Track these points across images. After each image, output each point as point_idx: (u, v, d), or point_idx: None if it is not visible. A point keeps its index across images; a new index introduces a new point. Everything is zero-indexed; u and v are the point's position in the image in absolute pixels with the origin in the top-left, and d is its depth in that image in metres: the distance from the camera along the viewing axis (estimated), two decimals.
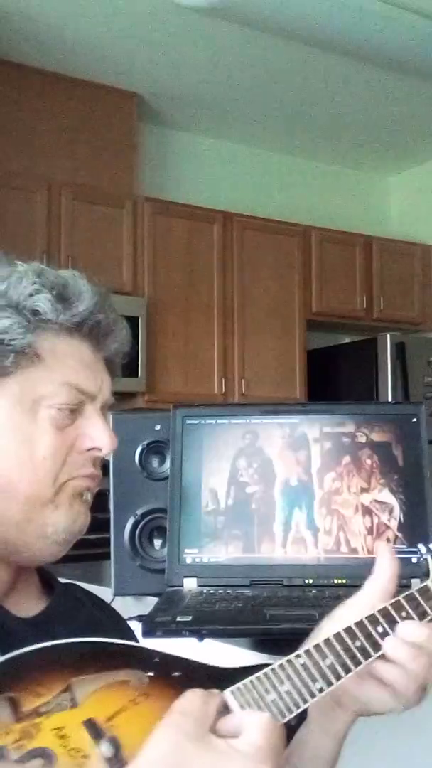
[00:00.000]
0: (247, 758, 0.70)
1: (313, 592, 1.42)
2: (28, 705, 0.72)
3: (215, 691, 0.76)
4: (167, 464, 1.56)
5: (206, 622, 1.26)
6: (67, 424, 0.94)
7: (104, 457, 0.97)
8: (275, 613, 1.28)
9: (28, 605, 0.99)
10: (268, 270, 4.96)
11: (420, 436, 1.51)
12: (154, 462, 1.60)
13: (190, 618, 1.27)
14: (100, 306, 0.98)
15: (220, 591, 1.43)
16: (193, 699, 0.73)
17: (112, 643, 0.81)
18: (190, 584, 1.46)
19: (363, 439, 1.52)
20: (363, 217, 5.87)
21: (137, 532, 1.58)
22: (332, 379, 5.30)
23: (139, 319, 4.34)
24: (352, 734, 0.95)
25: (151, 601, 1.44)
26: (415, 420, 1.52)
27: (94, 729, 0.72)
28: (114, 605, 1.22)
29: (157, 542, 1.58)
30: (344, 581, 1.43)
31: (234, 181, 5.40)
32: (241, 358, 4.81)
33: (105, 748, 0.71)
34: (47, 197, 4.23)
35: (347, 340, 5.65)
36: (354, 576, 1.42)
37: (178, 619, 1.27)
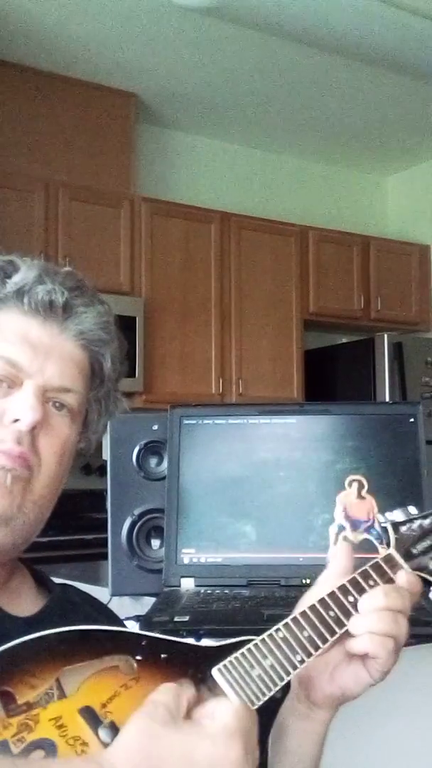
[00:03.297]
0: (216, 739, 0.71)
1: None
2: (23, 698, 0.73)
3: (186, 680, 0.78)
4: (164, 464, 1.56)
5: (204, 622, 1.26)
6: None
7: (24, 429, 0.92)
8: (272, 613, 1.28)
9: (24, 605, 0.99)
10: (265, 270, 4.96)
11: (417, 436, 1.51)
12: (152, 462, 1.60)
13: (187, 618, 1.27)
14: (39, 278, 0.97)
15: (217, 591, 1.43)
16: (165, 690, 0.75)
17: (99, 630, 0.82)
18: (187, 584, 1.46)
19: (361, 440, 1.52)
20: (360, 217, 5.87)
21: (134, 532, 1.58)
22: (329, 379, 5.30)
23: (137, 319, 4.34)
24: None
25: (149, 602, 1.44)
26: (412, 420, 1.52)
27: (91, 716, 0.74)
28: (111, 605, 1.23)
29: (155, 542, 1.58)
30: None
31: (231, 181, 5.40)
32: (239, 358, 4.81)
33: (104, 734, 0.73)
34: (45, 197, 4.23)
35: (344, 341, 5.65)
36: None
37: (176, 619, 1.27)
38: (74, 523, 3.69)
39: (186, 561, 1.48)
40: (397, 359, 4.93)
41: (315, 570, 1.46)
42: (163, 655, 0.80)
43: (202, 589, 1.44)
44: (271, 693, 0.79)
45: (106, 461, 1.60)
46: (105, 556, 1.60)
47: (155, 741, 0.70)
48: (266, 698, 0.79)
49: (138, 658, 0.79)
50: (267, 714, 0.83)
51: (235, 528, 1.49)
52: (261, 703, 0.78)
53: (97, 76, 4.52)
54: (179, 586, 1.46)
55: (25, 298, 0.97)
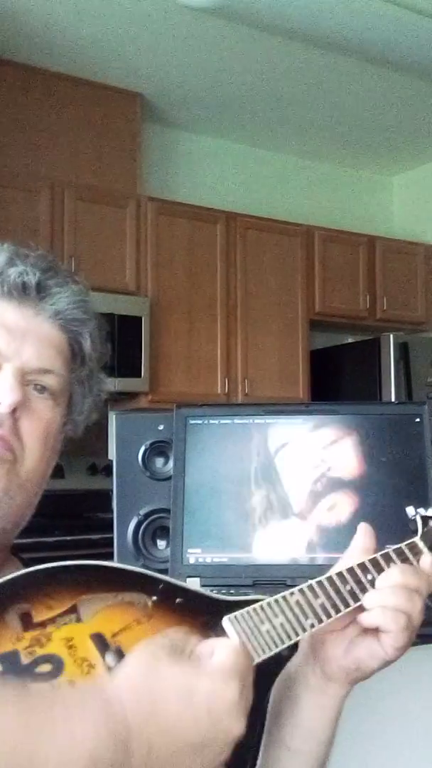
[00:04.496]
0: (216, 676, 0.73)
1: None
2: (40, 616, 0.77)
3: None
4: (170, 464, 1.56)
5: None
6: None
7: (5, 411, 0.93)
8: None
9: None
10: (271, 270, 4.96)
11: (423, 436, 1.51)
12: (158, 462, 1.60)
13: None
14: (10, 261, 0.97)
15: (222, 591, 1.43)
16: (178, 628, 0.79)
17: (120, 567, 0.86)
18: (193, 584, 1.46)
19: (366, 439, 1.52)
20: (366, 216, 5.87)
21: (140, 532, 1.58)
22: (335, 379, 5.30)
23: (142, 319, 4.34)
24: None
25: None
26: (418, 420, 1.52)
27: (101, 642, 0.78)
28: None
29: (161, 542, 1.58)
30: None
31: (237, 181, 5.40)
32: (244, 358, 4.81)
33: (110, 659, 0.76)
34: (50, 197, 4.23)
35: (350, 340, 5.65)
36: None
37: None
38: (80, 523, 3.70)
39: (192, 561, 1.48)
40: (402, 359, 4.93)
41: (321, 570, 1.46)
42: (178, 600, 0.84)
43: (208, 589, 1.44)
44: (277, 650, 0.82)
45: (111, 461, 1.61)
46: (111, 556, 1.60)
47: (157, 673, 0.72)
48: (271, 653, 0.81)
49: (154, 598, 0.82)
50: (270, 672, 0.86)
51: (241, 528, 1.49)
52: (265, 657, 0.81)
53: (102, 76, 4.52)
54: None
55: None
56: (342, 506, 1.48)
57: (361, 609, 0.89)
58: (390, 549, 0.94)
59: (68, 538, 3.54)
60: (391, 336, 4.99)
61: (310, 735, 0.95)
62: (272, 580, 1.45)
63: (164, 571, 1.50)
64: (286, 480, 1.50)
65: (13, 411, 0.93)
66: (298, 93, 4.76)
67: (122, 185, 4.56)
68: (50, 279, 0.99)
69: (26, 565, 1.07)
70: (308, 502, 1.49)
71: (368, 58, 4.23)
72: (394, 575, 0.90)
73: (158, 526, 1.58)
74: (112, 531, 1.59)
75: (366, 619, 0.89)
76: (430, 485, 1.48)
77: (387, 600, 0.89)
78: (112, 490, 1.60)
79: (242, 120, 5.11)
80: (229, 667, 0.74)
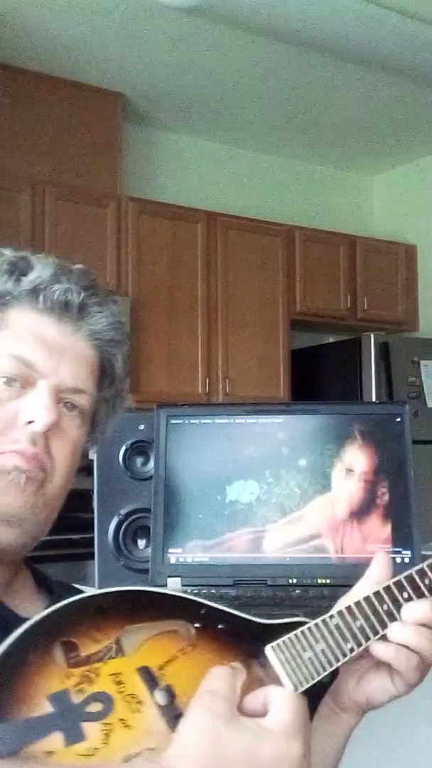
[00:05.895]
0: (279, 737, 0.73)
1: (297, 591, 1.42)
2: (87, 650, 0.76)
3: (238, 665, 0.80)
4: (151, 464, 1.56)
5: None
6: (9, 396, 0.92)
7: (39, 431, 0.91)
8: (259, 613, 1.28)
9: (26, 605, 0.99)
10: (251, 270, 4.96)
11: (404, 436, 1.51)
12: (138, 462, 1.60)
13: None
14: (55, 277, 0.96)
15: (203, 591, 1.43)
16: (219, 676, 0.76)
17: (162, 594, 0.85)
18: (174, 584, 1.46)
19: (347, 439, 1.52)
20: (347, 216, 5.88)
21: (121, 531, 1.57)
22: (316, 378, 5.31)
23: (123, 319, 4.33)
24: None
25: None
26: (399, 420, 1.52)
27: (149, 676, 0.77)
28: None
29: (141, 542, 1.58)
30: (328, 581, 1.43)
31: (218, 181, 5.40)
32: (225, 358, 4.81)
33: (159, 697, 0.76)
34: (31, 197, 4.22)
35: (331, 340, 5.66)
36: (338, 576, 1.42)
37: None
38: (60, 522, 3.68)
39: (172, 561, 1.48)
40: (383, 359, 4.94)
41: (301, 570, 1.46)
42: (220, 626, 0.83)
43: (189, 589, 1.44)
44: (320, 678, 0.81)
45: (92, 461, 1.60)
46: (91, 556, 1.60)
47: (219, 741, 0.71)
48: (314, 682, 0.81)
49: (197, 625, 0.82)
50: (313, 698, 0.85)
51: (222, 528, 1.49)
52: (308, 686, 0.80)
53: (83, 76, 4.51)
54: (166, 585, 1.46)
55: (40, 297, 0.95)
56: (322, 506, 1.49)
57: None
58: (425, 563, 0.93)
59: (48, 537, 3.52)
60: (372, 336, 5.00)
61: (317, 760, 0.94)
62: (253, 580, 1.45)
63: (145, 571, 1.50)
64: (266, 480, 1.50)
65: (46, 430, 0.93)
66: (278, 93, 4.76)
67: (103, 185, 4.55)
68: (91, 297, 0.98)
69: (33, 572, 1.06)
70: (288, 502, 1.49)
71: (349, 58, 4.24)
72: (424, 610, 0.89)
73: (139, 525, 1.58)
74: (92, 531, 1.59)
75: (380, 652, 0.88)
76: (411, 485, 1.48)
77: (408, 638, 0.87)
78: (92, 490, 1.60)
79: (223, 120, 5.11)
80: (290, 723, 0.74)
